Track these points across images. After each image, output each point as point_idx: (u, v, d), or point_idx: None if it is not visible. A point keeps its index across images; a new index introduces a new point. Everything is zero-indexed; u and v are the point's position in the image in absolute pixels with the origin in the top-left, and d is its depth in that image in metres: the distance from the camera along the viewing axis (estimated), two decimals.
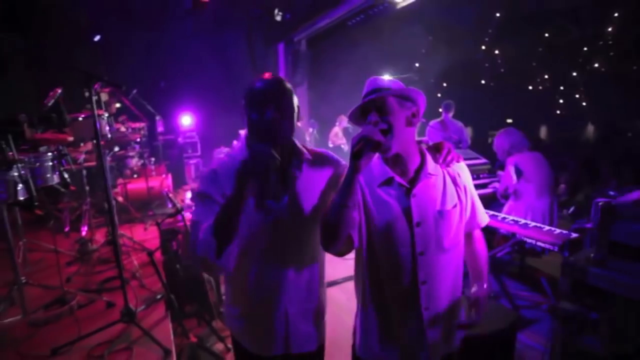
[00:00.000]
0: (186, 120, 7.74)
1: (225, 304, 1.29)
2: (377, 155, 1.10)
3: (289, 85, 1.12)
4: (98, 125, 1.73)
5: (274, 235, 1.13)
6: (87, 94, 3.51)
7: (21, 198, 1.78)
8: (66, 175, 2.34)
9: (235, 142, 7.16)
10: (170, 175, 4.83)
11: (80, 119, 2.56)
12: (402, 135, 1.09)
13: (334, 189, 1.07)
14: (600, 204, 1.14)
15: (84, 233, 3.44)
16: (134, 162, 4.70)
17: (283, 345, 1.21)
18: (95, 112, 1.66)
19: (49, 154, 2.07)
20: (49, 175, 2.07)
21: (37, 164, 1.98)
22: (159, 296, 2.29)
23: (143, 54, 7.14)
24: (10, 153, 1.72)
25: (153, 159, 4.88)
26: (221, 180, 1.09)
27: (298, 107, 1.14)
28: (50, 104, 2.12)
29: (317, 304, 1.26)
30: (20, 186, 1.76)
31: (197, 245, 1.02)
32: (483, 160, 3.81)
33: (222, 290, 3.18)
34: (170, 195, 2.70)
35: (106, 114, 2.69)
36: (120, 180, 4.30)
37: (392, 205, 1.11)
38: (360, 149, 0.97)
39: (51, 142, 2.21)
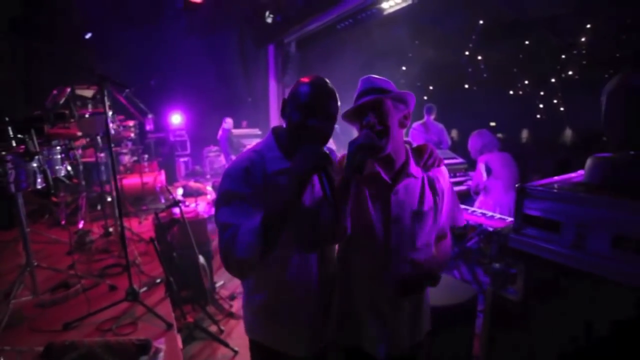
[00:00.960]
0: (176, 118, 7.84)
1: (248, 312, 1.23)
2: None
3: (333, 88, 1.09)
4: (105, 123, 1.93)
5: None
6: (76, 91, 3.66)
7: (39, 187, 1.97)
8: (69, 168, 2.51)
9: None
10: (163, 172, 4.98)
11: (87, 115, 2.73)
12: (396, 137, 1.12)
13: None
14: (517, 186, 1.45)
15: (80, 225, 3.57)
16: (127, 158, 4.83)
17: (324, 340, 1.22)
18: (106, 110, 1.84)
19: (58, 147, 2.25)
20: (57, 167, 2.24)
21: (50, 156, 2.16)
22: (158, 280, 2.48)
23: (134, 52, 7.19)
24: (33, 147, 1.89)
25: (146, 156, 5.02)
26: (255, 179, 1.06)
27: (339, 107, 1.11)
28: (61, 102, 2.29)
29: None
30: (38, 176, 1.94)
31: (237, 247, 0.96)
32: (460, 160, 4.11)
33: (215, 279, 3.38)
34: (169, 188, 2.89)
35: (110, 112, 2.86)
36: None
37: (373, 200, 1.14)
38: (362, 160, 0.99)
39: (62, 136, 2.38)
